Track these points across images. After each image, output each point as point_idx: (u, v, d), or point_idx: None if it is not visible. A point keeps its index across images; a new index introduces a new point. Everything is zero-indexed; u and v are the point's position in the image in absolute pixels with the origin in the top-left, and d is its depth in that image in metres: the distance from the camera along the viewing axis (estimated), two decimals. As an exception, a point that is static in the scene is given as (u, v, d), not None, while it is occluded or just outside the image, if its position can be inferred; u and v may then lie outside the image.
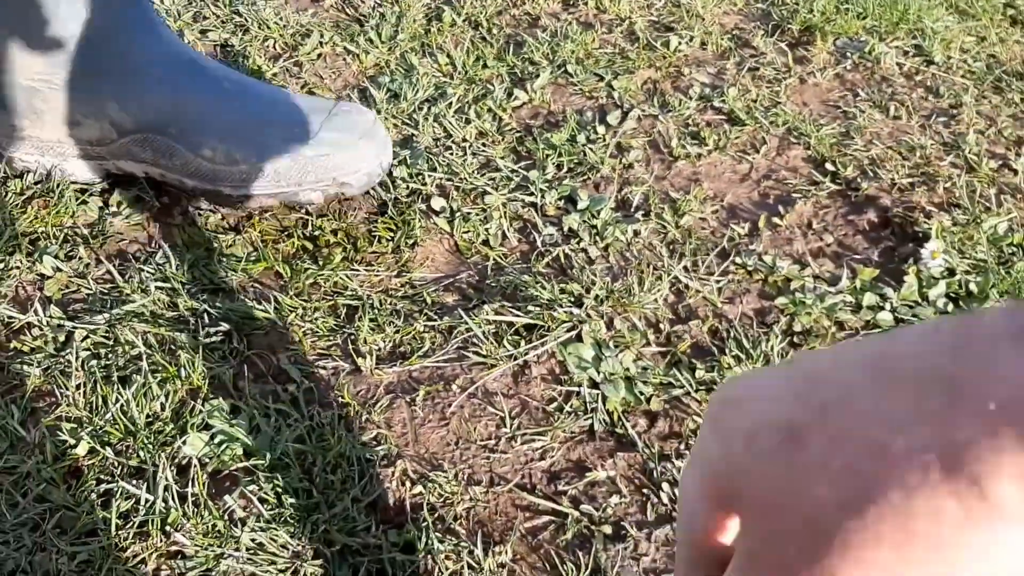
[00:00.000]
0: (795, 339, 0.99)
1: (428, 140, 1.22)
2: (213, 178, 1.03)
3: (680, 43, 1.47)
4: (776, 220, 1.15)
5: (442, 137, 1.23)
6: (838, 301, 1.03)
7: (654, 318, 1.00)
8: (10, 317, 0.92)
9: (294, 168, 1.03)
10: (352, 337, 0.95)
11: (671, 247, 1.09)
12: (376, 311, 0.98)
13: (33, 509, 0.76)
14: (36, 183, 1.07)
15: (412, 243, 1.07)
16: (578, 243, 1.08)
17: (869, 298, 1.03)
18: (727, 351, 0.96)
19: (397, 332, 0.96)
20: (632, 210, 1.15)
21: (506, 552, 0.77)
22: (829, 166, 1.25)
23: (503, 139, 1.24)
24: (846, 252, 1.12)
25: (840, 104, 1.38)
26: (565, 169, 1.20)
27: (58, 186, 1.07)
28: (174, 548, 0.75)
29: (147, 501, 0.77)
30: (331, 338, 0.95)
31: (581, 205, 1.13)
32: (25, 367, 0.87)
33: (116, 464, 0.80)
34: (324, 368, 0.92)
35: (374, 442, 0.85)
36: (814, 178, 1.23)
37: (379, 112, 1.25)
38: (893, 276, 1.08)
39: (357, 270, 1.02)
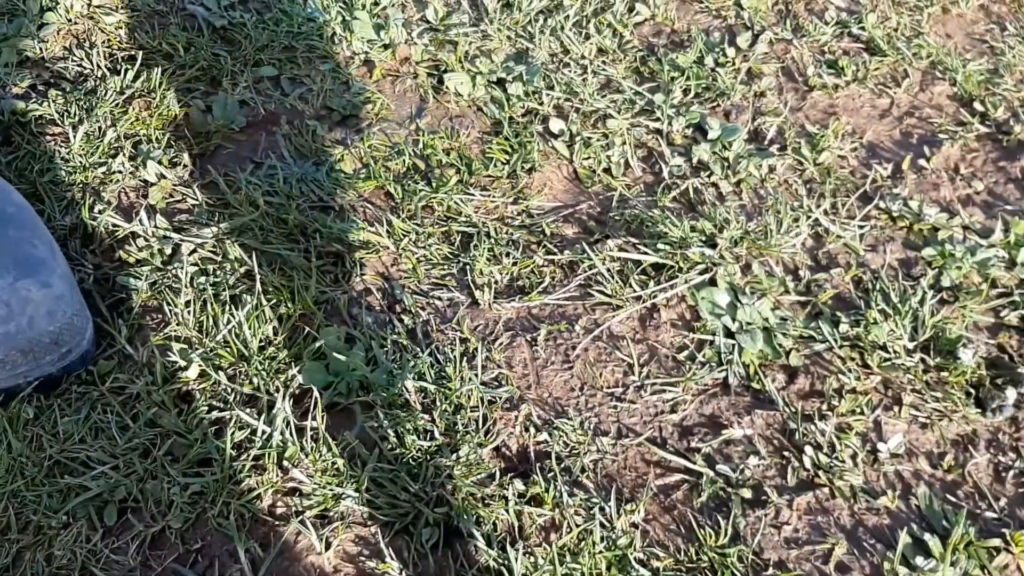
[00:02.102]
0: (944, 295, 0.91)
1: (544, 56, 1.14)
2: None
3: (813, -39, 1.35)
4: (921, 163, 1.06)
5: (559, 53, 1.15)
6: (990, 256, 0.94)
7: (792, 264, 0.92)
8: (114, 225, 0.87)
9: None
10: (468, 267, 0.89)
11: (808, 186, 1.01)
12: (492, 240, 0.91)
13: (144, 433, 0.72)
14: (135, 80, 1.01)
15: (529, 168, 1.00)
16: (708, 176, 1.00)
17: (1026, 255, 0.94)
18: (872, 304, 0.88)
19: (515, 264, 0.90)
20: (766, 143, 1.06)
21: (639, 511, 0.72)
22: (977, 106, 1.14)
23: (624, 58, 1.15)
24: (997, 202, 1.03)
25: (987, 38, 1.26)
26: (692, 94, 1.11)
27: (160, 85, 1.01)
28: (291, 485, 0.70)
29: (263, 433, 0.72)
30: (446, 267, 0.89)
31: (712, 135, 1.04)
32: (132, 280, 0.82)
33: (229, 390, 0.75)
34: (440, 299, 0.86)
35: (495, 383, 0.80)
36: (961, 118, 1.12)
37: (491, 22, 1.16)
38: (1054, 232, 0.98)
39: (472, 195, 0.96)
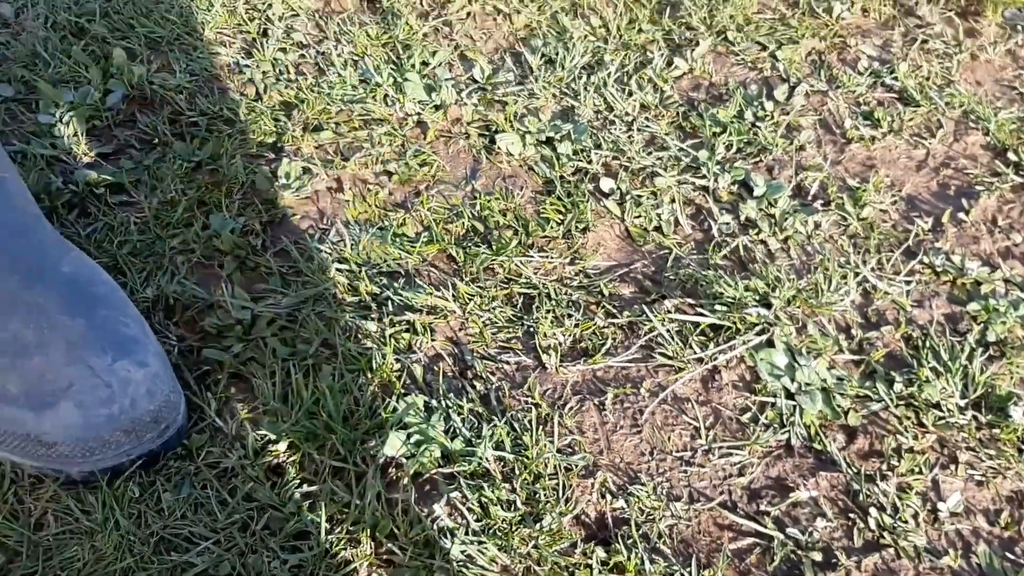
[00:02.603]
0: (992, 351, 0.94)
1: (589, 113, 1.18)
2: None
3: (842, 10, 1.39)
4: (960, 216, 1.09)
5: (603, 110, 1.18)
6: (1033, 310, 0.98)
7: (844, 322, 0.96)
8: (195, 296, 0.90)
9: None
10: (532, 329, 0.92)
11: (853, 241, 1.04)
12: (553, 302, 0.95)
13: (242, 509, 0.75)
14: (200, 148, 1.05)
15: (583, 228, 1.03)
16: (757, 234, 1.04)
17: (1069, 309, 0.98)
18: (924, 362, 0.91)
19: (577, 326, 0.93)
20: (810, 198, 1.09)
21: (716, 576, 0.75)
22: (1011, 155, 1.18)
23: (667, 113, 1.19)
24: (1036, 254, 1.06)
25: (1015, 84, 1.30)
26: (735, 149, 1.14)
27: (226, 151, 1.04)
28: (385, 557, 0.74)
29: (356, 507, 0.75)
30: (511, 330, 0.92)
31: (757, 192, 1.08)
32: (217, 352, 0.85)
33: (318, 462, 0.78)
34: (508, 363, 0.89)
35: (569, 449, 0.83)
36: (995, 168, 1.16)
37: (536, 80, 1.20)
38: (1093, 285, 1.02)
39: (531, 256, 0.99)
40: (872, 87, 1.26)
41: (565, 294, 0.96)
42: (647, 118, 1.18)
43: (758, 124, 1.18)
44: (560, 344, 0.92)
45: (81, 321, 0.76)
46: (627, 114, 1.18)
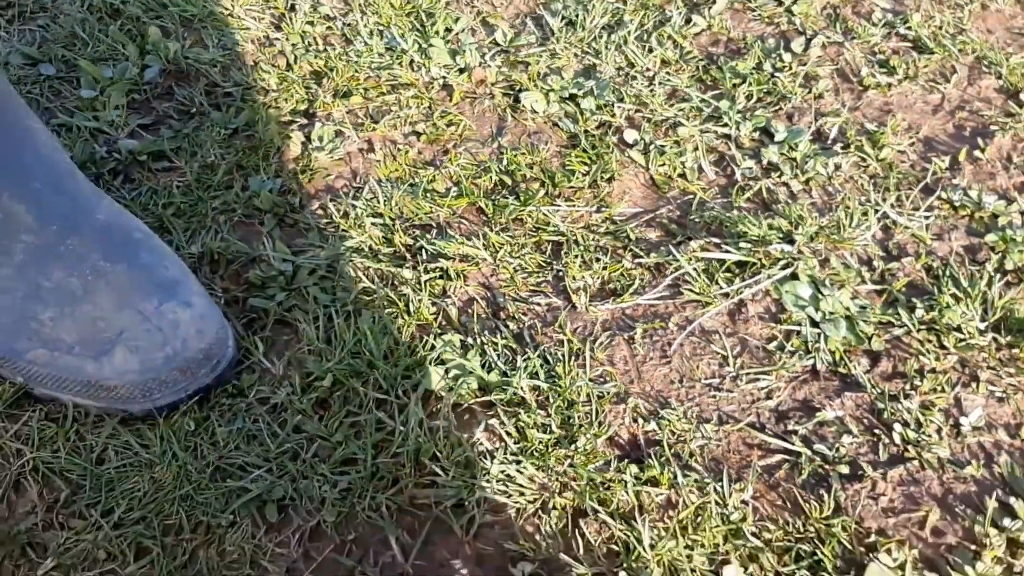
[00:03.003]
0: (1009, 278, 0.96)
1: (611, 70, 1.21)
2: None
3: (856, -36, 1.40)
4: (976, 153, 1.11)
5: (625, 67, 1.22)
6: (1051, 239, 1.00)
7: (866, 255, 0.98)
8: (238, 252, 0.94)
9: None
10: (561, 273, 0.96)
11: (873, 181, 1.07)
12: (581, 247, 0.98)
13: (292, 439, 0.79)
14: (236, 116, 1.09)
15: (608, 177, 1.06)
16: (779, 177, 1.07)
17: (1088, 236, 1.00)
18: (944, 289, 0.94)
19: (605, 269, 0.96)
20: (830, 142, 1.12)
21: (747, 489, 0.78)
22: (1023, 96, 1.19)
23: (687, 67, 1.22)
24: (1054, 187, 1.08)
25: (1030, 28, 1.31)
26: (755, 99, 1.17)
27: (260, 119, 1.08)
28: (428, 479, 0.77)
29: (400, 434, 0.79)
30: (541, 274, 0.96)
31: (778, 137, 1.11)
32: (262, 301, 0.89)
33: (362, 395, 0.82)
34: (539, 304, 0.93)
35: (601, 379, 0.86)
36: (1009, 109, 1.18)
37: (557, 40, 1.23)
38: (1111, 213, 1.04)
39: (558, 206, 1.02)
40: (887, 37, 1.28)
41: (592, 240, 0.99)
42: (668, 73, 1.21)
43: (777, 75, 1.20)
44: (589, 286, 0.95)
45: (123, 266, 0.80)
46: (648, 70, 1.21)
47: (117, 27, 1.21)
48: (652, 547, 0.73)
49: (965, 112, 1.18)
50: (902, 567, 0.74)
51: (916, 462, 0.81)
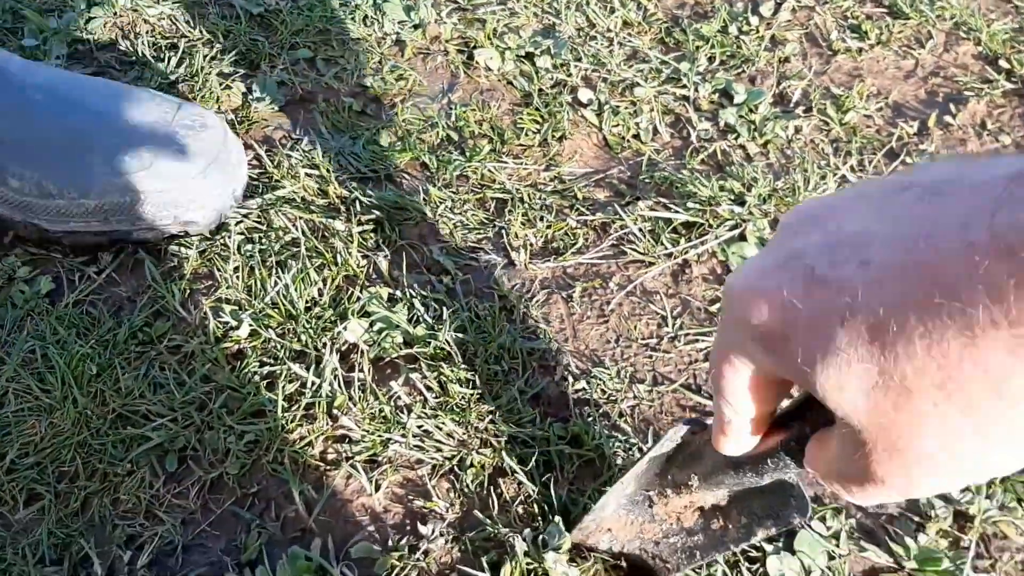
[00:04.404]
0: (973, 245, 0.92)
1: (571, 30, 1.17)
2: (25, 209, 0.83)
3: (835, -69, 1.36)
4: (947, 119, 1.07)
5: (585, 27, 1.18)
6: (1019, 206, 0.95)
7: (820, 218, 0.94)
8: (164, 199, 0.91)
9: (125, 205, 0.82)
10: (503, 231, 0.92)
11: (835, 145, 1.03)
12: (526, 205, 0.94)
13: (200, 388, 0.76)
14: (178, 67, 1.05)
15: (559, 136, 1.02)
16: (735, 139, 1.02)
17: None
18: (901, 255, 0.89)
19: (549, 227, 0.92)
20: (792, 105, 1.08)
21: (676, 451, 0.74)
22: (1003, 63, 1.15)
23: (650, 29, 1.18)
24: (1025, 155, 1.04)
25: (1012, -2, 1.27)
26: (718, 62, 1.13)
27: (202, 69, 1.05)
28: (341, 432, 0.74)
29: (313, 384, 0.75)
30: (482, 231, 0.92)
31: (737, 99, 1.06)
32: (183, 249, 0.86)
33: (279, 347, 0.79)
34: (476, 261, 0.89)
35: (534, 336, 0.82)
36: (987, 76, 1.14)
37: (518, 0, 1.19)
38: (1082, 181, 0.99)
39: (505, 163, 0.98)
40: (861, 2, 1.24)
41: (539, 198, 0.95)
42: (629, 34, 1.17)
43: (742, 37, 1.16)
44: (531, 244, 0.91)
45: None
46: (609, 30, 1.17)
47: (64, -23, 1.18)
48: (564, 513, 0.69)
49: (939, 78, 1.14)
50: (836, 536, 0.70)
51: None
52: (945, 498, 0.73)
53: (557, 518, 0.67)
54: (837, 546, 0.69)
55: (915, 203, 0.29)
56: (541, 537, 0.66)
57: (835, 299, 0.29)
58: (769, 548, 0.68)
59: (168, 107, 0.85)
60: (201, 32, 1.11)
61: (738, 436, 0.42)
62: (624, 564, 0.66)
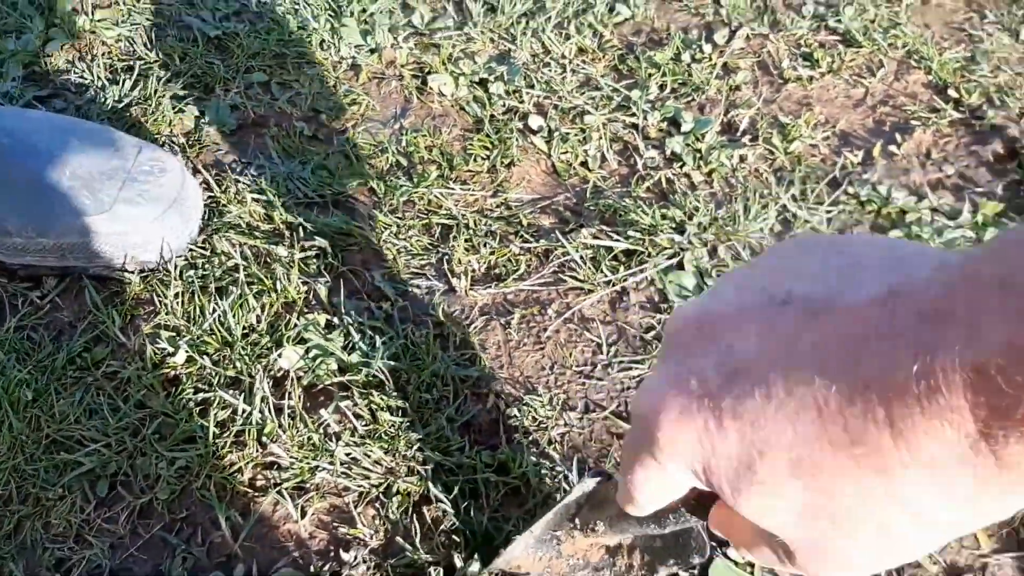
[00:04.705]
0: (909, 275, 0.93)
1: (526, 56, 1.18)
2: None
3: (793, -42, 1.38)
4: (892, 149, 1.09)
5: (540, 53, 1.19)
6: (957, 236, 0.97)
7: (759, 247, 0.96)
8: (111, 224, 0.92)
9: (83, 245, 0.84)
10: (447, 257, 0.93)
11: (778, 174, 1.04)
12: (471, 231, 0.95)
13: (134, 414, 0.77)
14: (132, 90, 1.07)
15: (508, 163, 1.04)
16: (681, 167, 1.04)
17: (991, 234, 0.97)
18: (836, 285, 0.91)
19: (492, 253, 0.94)
20: (739, 134, 1.09)
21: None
22: (952, 92, 1.17)
23: (604, 56, 1.19)
24: (968, 184, 1.05)
25: (965, 27, 1.29)
26: (669, 90, 1.15)
27: (155, 92, 1.06)
28: (270, 459, 0.75)
29: (244, 411, 0.77)
30: (425, 257, 0.93)
31: (685, 127, 1.08)
32: (126, 275, 0.87)
33: (213, 373, 0.80)
34: (418, 287, 0.90)
35: (468, 363, 0.84)
36: (935, 105, 1.15)
37: (475, 25, 1.21)
38: (1019, 212, 1.01)
39: (452, 188, 1.00)
40: (815, 30, 1.26)
41: (484, 224, 0.97)
42: (583, 61, 1.18)
43: (694, 65, 1.18)
44: (473, 270, 0.92)
45: None
46: (563, 57, 1.18)
47: (27, 0, 1.19)
48: (489, 540, 0.70)
49: (888, 107, 1.16)
50: (750, 565, 0.71)
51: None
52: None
53: (475, 557, 0.68)
54: (751, 575, 0.70)
55: (798, 325, 0.31)
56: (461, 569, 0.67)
57: (749, 434, 0.30)
58: (685, 578, 0.69)
59: (130, 150, 0.87)
60: (158, 55, 1.12)
61: (643, 510, 0.42)
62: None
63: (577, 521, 0.60)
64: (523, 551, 0.64)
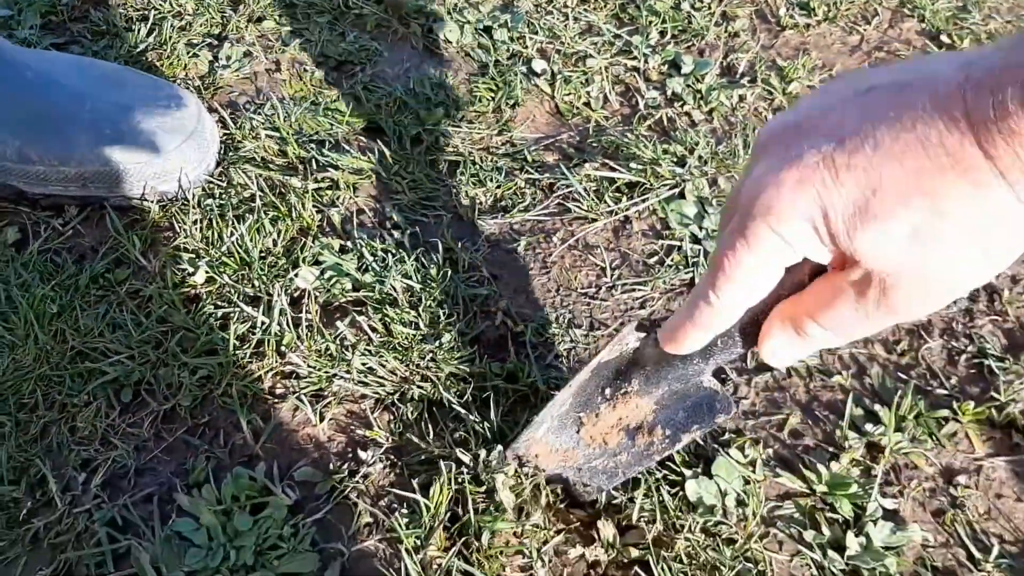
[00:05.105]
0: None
1: (528, 5, 1.21)
2: (2, 172, 0.88)
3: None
4: (887, 90, 1.11)
5: (543, 3, 1.22)
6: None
7: (758, 179, 0.98)
8: (129, 158, 0.95)
9: (103, 174, 0.87)
10: (454, 190, 0.96)
11: (777, 112, 1.07)
12: (477, 167, 0.98)
13: (156, 328, 0.80)
14: (148, 36, 1.10)
15: (513, 104, 1.07)
16: (681, 106, 1.07)
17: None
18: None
19: (498, 187, 0.97)
20: (738, 76, 1.12)
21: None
22: (944, 39, 1.20)
23: (605, 5, 1.22)
24: (960, 123, 1.08)
25: (958, -21, 1.32)
26: (669, 36, 1.17)
27: (170, 39, 1.09)
28: (288, 368, 0.78)
29: (263, 324, 0.80)
30: (434, 190, 0.96)
31: (685, 69, 1.11)
32: (145, 203, 0.90)
33: (232, 291, 0.83)
34: (427, 216, 0.93)
35: (477, 283, 0.87)
36: (928, 50, 1.18)
37: (480, -22, 1.24)
38: (1010, 146, 1.04)
39: (459, 127, 1.03)
40: (812, -19, 1.29)
41: (490, 161, 0.99)
42: (585, 9, 1.21)
43: (694, 13, 1.21)
44: (480, 202, 0.95)
45: None
46: (565, 5, 1.21)
47: (39, -48, 1.22)
48: (502, 436, 0.73)
49: (883, 52, 1.18)
50: (752, 463, 0.74)
51: (784, 370, 0.81)
52: (858, 430, 0.77)
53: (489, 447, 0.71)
54: (753, 472, 0.73)
55: (890, 100, 0.37)
56: (480, 458, 0.70)
57: (863, 179, 0.37)
58: (688, 473, 0.72)
59: (148, 86, 0.90)
60: (171, 4, 1.15)
61: (713, 325, 0.47)
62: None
63: (607, 390, 0.62)
64: (544, 434, 0.67)
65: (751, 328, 0.51)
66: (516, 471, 0.69)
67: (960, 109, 0.34)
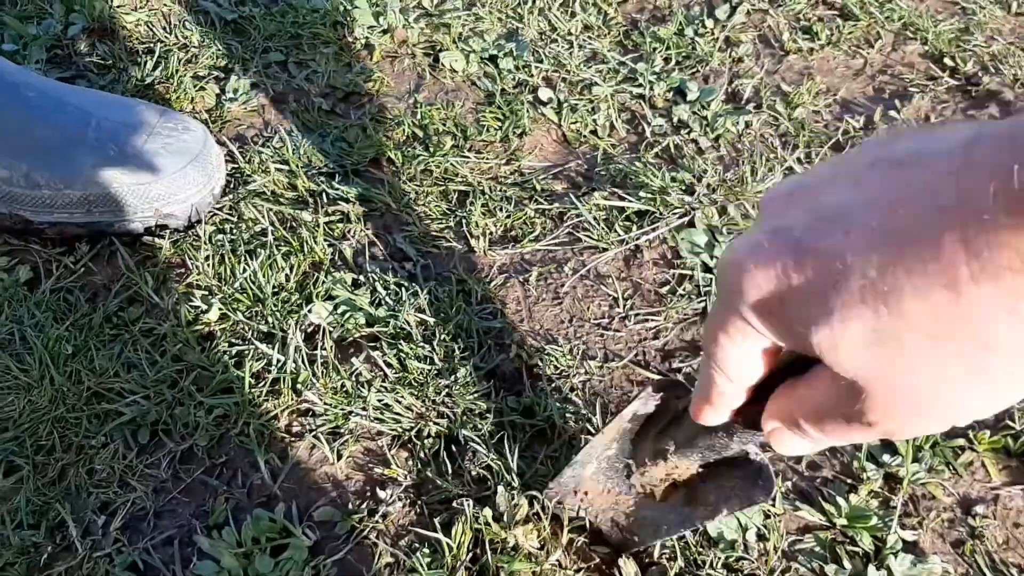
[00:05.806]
0: (912, 230, 0.96)
1: (533, 33, 1.22)
2: (11, 200, 0.88)
3: (789, -61, 1.42)
4: (893, 114, 1.12)
5: (547, 31, 1.23)
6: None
7: (767, 206, 0.99)
8: (139, 193, 0.95)
9: (108, 196, 0.87)
10: (464, 220, 0.96)
11: (783, 139, 1.08)
12: (487, 196, 0.98)
13: (171, 367, 0.80)
14: (154, 70, 1.10)
15: (520, 132, 1.07)
16: (688, 134, 1.07)
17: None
18: (842, 239, 0.94)
19: (508, 217, 0.97)
20: (743, 102, 1.13)
21: (623, 421, 0.78)
22: (948, 61, 1.20)
23: (609, 32, 1.23)
24: (965, 147, 1.09)
25: (958, 0, 1.32)
26: (673, 62, 1.18)
27: (176, 72, 1.09)
28: (305, 406, 0.78)
29: (278, 361, 0.80)
30: (444, 221, 0.96)
31: (691, 96, 1.11)
32: (157, 240, 0.90)
33: (246, 328, 0.83)
34: (438, 248, 0.93)
35: (490, 316, 0.87)
36: (932, 73, 1.19)
37: (483, 5, 1.24)
38: (1016, 169, 1.04)
39: (467, 157, 1.03)
40: (813, 5, 1.29)
41: (499, 190, 1.00)
42: (589, 36, 1.22)
43: (697, 39, 1.21)
44: (490, 232, 0.95)
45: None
46: (570, 33, 1.22)
47: (44, -14, 1.22)
48: (520, 474, 0.73)
49: (886, 76, 1.19)
50: (772, 497, 0.74)
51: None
52: (876, 461, 0.77)
53: (515, 480, 0.71)
54: (773, 506, 0.73)
55: (884, 177, 0.33)
56: (495, 502, 0.70)
57: (826, 267, 0.32)
58: (707, 507, 0.72)
59: (153, 112, 0.90)
60: (177, 37, 1.16)
61: (722, 404, 0.44)
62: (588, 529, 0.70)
63: (649, 445, 0.62)
64: (594, 474, 0.66)
65: (752, 410, 0.50)
66: (538, 512, 0.69)
67: (951, 195, 0.30)
